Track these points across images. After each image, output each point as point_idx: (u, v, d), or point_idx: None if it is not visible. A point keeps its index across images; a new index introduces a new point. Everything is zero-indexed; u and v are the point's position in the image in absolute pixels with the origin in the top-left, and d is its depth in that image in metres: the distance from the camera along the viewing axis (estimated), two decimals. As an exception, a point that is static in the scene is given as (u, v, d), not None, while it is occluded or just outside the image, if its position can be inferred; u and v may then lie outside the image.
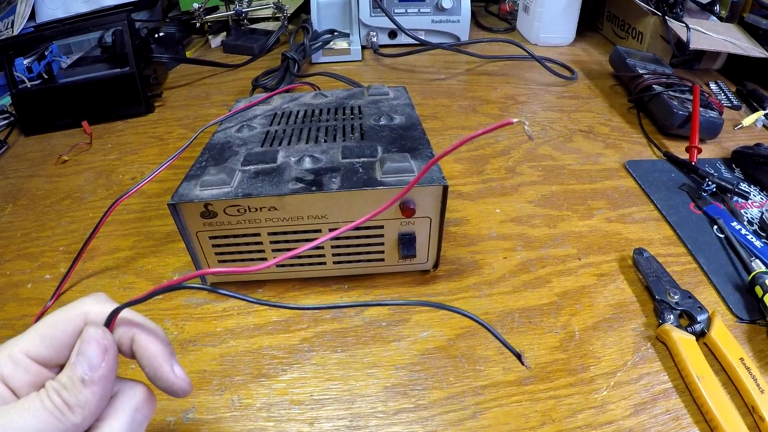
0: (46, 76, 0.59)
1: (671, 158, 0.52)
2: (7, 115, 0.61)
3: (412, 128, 0.40)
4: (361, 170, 0.33)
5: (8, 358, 0.19)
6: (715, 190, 0.47)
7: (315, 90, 0.51)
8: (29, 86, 0.58)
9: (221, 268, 0.34)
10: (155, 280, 0.39)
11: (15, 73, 0.57)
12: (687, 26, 0.62)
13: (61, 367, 0.19)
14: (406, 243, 0.34)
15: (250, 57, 0.70)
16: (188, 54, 0.75)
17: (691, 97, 0.56)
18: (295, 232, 0.34)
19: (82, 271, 0.40)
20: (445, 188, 0.32)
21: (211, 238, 0.34)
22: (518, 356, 0.23)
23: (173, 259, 0.41)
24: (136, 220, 0.45)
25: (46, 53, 0.59)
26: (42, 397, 0.18)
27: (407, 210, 0.33)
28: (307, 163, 0.34)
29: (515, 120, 0.19)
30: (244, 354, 0.33)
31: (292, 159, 0.35)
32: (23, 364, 0.19)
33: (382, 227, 0.34)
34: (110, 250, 0.42)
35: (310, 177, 0.33)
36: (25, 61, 0.57)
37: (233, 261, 0.36)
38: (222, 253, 0.35)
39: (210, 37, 0.79)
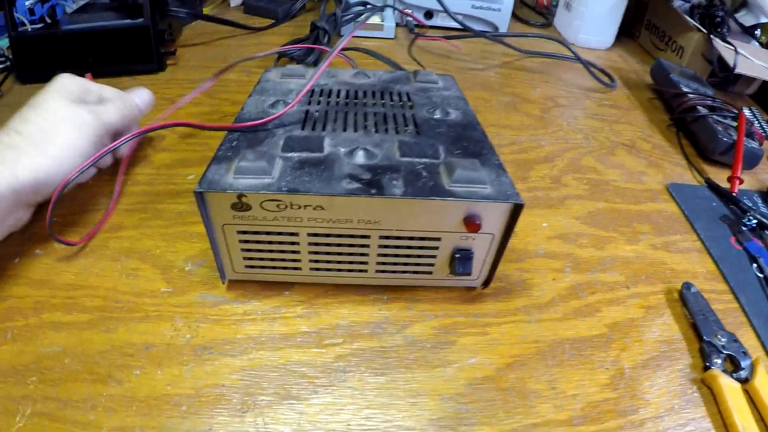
0: (48, 20, 0.50)
1: (712, 186, 0.48)
2: (3, 59, 0.52)
3: (470, 127, 0.34)
4: (424, 174, 0.28)
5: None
6: (755, 225, 0.44)
7: (353, 66, 0.45)
8: (30, 30, 0.49)
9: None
10: (163, 268, 0.33)
11: (15, 14, 0.48)
12: (735, 49, 0.58)
13: None
14: (463, 260, 0.29)
15: (274, 21, 0.62)
16: (205, 11, 0.66)
17: (734, 124, 0.53)
18: (339, 236, 0.28)
19: (79, 249, 0.34)
20: (519, 207, 0.27)
21: (239, 232, 0.28)
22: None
23: (185, 245, 0.35)
24: (143, 194, 0.39)
25: (50, -5, 0.50)
26: (119, 104, 0.36)
27: (472, 225, 0.28)
28: (361, 158, 0.29)
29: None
30: (270, 369, 0.28)
31: (342, 150, 0.30)
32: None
33: (439, 239, 0.29)
34: (112, 226, 0.36)
35: (366, 176, 0.27)
36: (27, 2, 0.48)
37: (261, 260, 0.30)
38: (250, 250, 0.29)
39: (230, -6, 0.71)
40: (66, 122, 0.31)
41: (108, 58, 0.51)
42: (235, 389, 0.27)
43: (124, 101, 0.37)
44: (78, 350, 0.28)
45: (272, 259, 0.30)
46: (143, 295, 0.31)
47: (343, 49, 0.57)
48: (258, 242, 0.29)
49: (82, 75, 0.49)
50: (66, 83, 0.33)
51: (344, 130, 0.32)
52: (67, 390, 0.26)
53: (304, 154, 0.29)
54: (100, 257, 0.33)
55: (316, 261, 0.30)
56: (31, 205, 0.31)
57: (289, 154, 0.29)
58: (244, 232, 0.28)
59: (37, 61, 0.50)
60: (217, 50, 0.60)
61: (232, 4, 0.71)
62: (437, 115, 0.35)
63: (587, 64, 0.61)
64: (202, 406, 0.26)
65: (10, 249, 0.33)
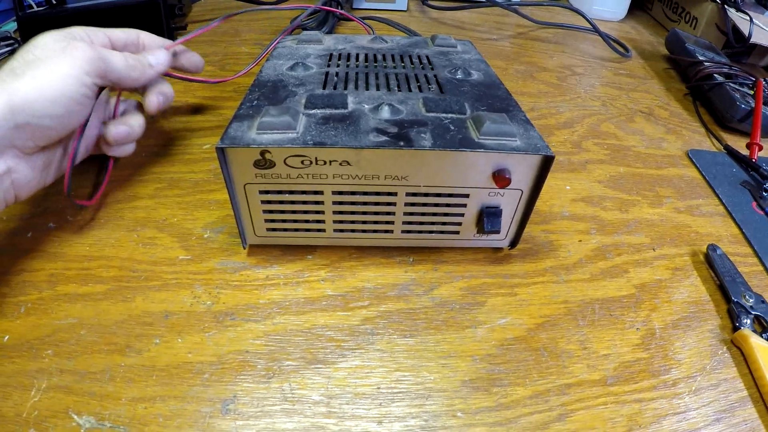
0: (54, 1, 0.48)
1: (731, 153, 0.46)
2: (12, 41, 0.50)
3: (494, 87, 0.32)
4: (452, 128, 0.26)
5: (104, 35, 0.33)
6: (776, 191, 0.42)
7: (370, 33, 0.43)
8: (37, 10, 0.47)
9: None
10: (181, 236, 0.31)
11: (22, -5, 0.46)
12: (751, 19, 0.55)
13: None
14: (491, 217, 0.28)
15: (283, -3, 0.60)
16: (213, -13, 0.64)
17: (751, 92, 0.51)
18: (365, 193, 0.27)
19: (94, 221, 0.32)
20: (549, 159, 0.25)
21: (261, 192, 0.26)
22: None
23: (203, 213, 0.33)
24: (156, 164, 0.37)
25: (56, -27, 0.48)
26: (128, 55, 0.31)
27: (502, 180, 0.26)
28: (386, 113, 0.27)
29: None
30: (295, 334, 0.26)
31: (366, 106, 0.28)
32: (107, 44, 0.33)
33: (467, 196, 0.27)
34: (127, 197, 0.34)
35: (393, 129, 0.25)
36: (33, -17, 0.46)
37: (284, 222, 0.28)
38: (272, 211, 0.28)
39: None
40: (59, 56, 0.27)
41: (117, 33, 0.49)
42: (259, 355, 0.25)
43: (135, 56, 0.32)
44: (94, 321, 0.26)
45: (295, 221, 0.28)
46: (161, 263, 0.30)
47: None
48: (281, 203, 0.27)
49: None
50: (74, 30, 0.31)
51: (366, 89, 0.30)
52: (84, 362, 0.24)
53: (328, 111, 0.27)
54: (115, 228, 0.32)
55: (341, 222, 0.28)
56: (23, 152, 0.26)
57: (313, 111, 0.27)
58: (267, 192, 0.26)
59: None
60: (228, 25, 0.58)
61: (240, -18, 0.69)
62: (459, 76, 0.33)
63: (605, 36, 0.59)
64: (226, 373, 0.24)
65: (23, 223, 0.31)
